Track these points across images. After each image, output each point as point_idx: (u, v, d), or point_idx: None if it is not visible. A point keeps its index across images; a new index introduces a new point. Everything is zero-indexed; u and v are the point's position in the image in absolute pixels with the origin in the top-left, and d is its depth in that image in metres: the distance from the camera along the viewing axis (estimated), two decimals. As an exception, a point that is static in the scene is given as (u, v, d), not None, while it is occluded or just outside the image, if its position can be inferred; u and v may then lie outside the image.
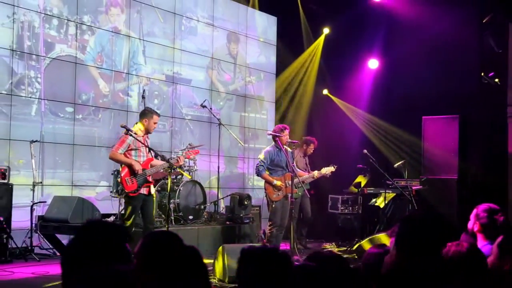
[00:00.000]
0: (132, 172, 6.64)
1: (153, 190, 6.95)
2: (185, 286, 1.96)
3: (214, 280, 6.29)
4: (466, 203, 9.53)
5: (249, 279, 2.05)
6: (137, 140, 6.68)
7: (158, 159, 7.09)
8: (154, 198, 7.13)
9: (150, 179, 6.80)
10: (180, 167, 8.54)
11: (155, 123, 6.93)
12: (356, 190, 10.45)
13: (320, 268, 2.31)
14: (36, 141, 8.04)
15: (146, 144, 6.80)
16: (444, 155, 10.54)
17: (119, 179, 6.83)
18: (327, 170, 8.95)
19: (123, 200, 8.54)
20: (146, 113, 6.93)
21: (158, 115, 7.07)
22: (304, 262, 2.49)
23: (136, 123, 7.04)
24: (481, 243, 3.90)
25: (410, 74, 11.15)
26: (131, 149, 6.70)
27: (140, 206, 6.79)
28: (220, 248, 6.57)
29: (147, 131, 6.91)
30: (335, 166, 9.00)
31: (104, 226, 1.96)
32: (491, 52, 10.62)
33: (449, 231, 2.53)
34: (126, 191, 6.65)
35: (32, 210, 7.65)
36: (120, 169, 6.79)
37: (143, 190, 6.73)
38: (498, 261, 2.96)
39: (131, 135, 6.67)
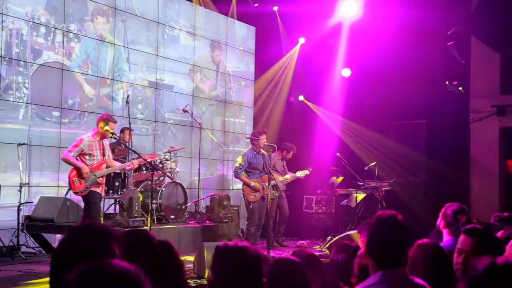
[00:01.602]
0: (80, 174, 6.76)
1: (103, 192, 7.13)
2: (161, 277, 1.96)
3: (194, 282, 6.23)
4: (432, 202, 9.65)
5: (223, 274, 2.05)
6: (121, 144, 6.70)
7: (140, 162, 7.14)
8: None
9: (99, 181, 6.93)
10: (162, 169, 8.51)
11: (111, 129, 6.96)
12: (337, 180, 10.43)
13: (303, 263, 2.34)
14: (24, 144, 7.92)
15: (101, 150, 6.93)
16: (412, 158, 10.66)
17: (72, 181, 6.89)
18: (302, 173, 9.00)
19: (108, 201, 8.50)
20: (103, 120, 6.97)
21: (115, 121, 7.12)
22: (289, 257, 2.52)
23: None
24: (446, 238, 4.10)
25: (380, 83, 11.23)
26: (85, 154, 6.83)
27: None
28: (201, 245, 6.54)
29: (103, 136, 6.95)
30: (310, 169, 9.05)
31: (95, 228, 1.94)
32: (455, 62, 10.78)
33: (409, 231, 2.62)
34: (73, 190, 6.86)
35: (19, 210, 7.54)
36: (69, 170, 6.91)
37: (97, 189, 6.88)
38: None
39: (115, 138, 6.69)
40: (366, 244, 2.56)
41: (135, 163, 7.24)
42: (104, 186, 7.21)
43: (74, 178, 6.80)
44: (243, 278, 2.02)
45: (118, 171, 7.78)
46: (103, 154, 6.99)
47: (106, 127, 6.94)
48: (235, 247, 2.11)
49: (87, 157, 6.84)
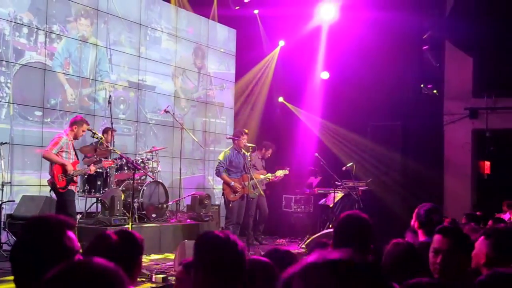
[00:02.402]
0: (64, 171, 6.83)
1: (76, 190, 7.25)
2: (127, 264, 2.01)
3: (175, 280, 6.23)
4: (408, 201, 9.79)
5: (204, 264, 2.05)
6: (103, 143, 6.70)
7: (123, 161, 7.12)
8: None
9: (75, 179, 7.03)
10: (144, 168, 8.49)
11: (83, 131, 7.11)
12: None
13: (276, 264, 2.38)
14: (6, 143, 7.85)
15: (74, 150, 7.05)
16: (388, 158, 10.80)
17: (57, 177, 6.88)
18: (281, 172, 9.06)
19: (91, 199, 8.46)
20: (77, 121, 7.09)
21: (88, 124, 7.24)
22: (261, 257, 2.54)
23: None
24: (422, 238, 4.13)
25: (358, 85, 11.34)
26: (63, 151, 6.91)
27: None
28: (182, 244, 6.54)
29: (75, 137, 7.08)
30: (288, 169, 9.11)
31: (46, 221, 1.93)
32: (430, 66, 10.95)
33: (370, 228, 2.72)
34: (58, 186, 6.85)
35: (0, 208, 7.48)
36: (52, 167, 6.92)
37: (72, 188, 6.96)
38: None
39: (97, 137, 6.69)
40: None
41: (93, 169, 7.36)
42: (77, 185, 7.28)
43: (58, 174, 6.82)
44: (225, 266, 2.02)
45: (100, 170, 7.76)
46: (75, 154, 7.10)
47: (88, 127, 7.04)
48: (216, 237, 2.11)
49: (64, 154, 6.89)
